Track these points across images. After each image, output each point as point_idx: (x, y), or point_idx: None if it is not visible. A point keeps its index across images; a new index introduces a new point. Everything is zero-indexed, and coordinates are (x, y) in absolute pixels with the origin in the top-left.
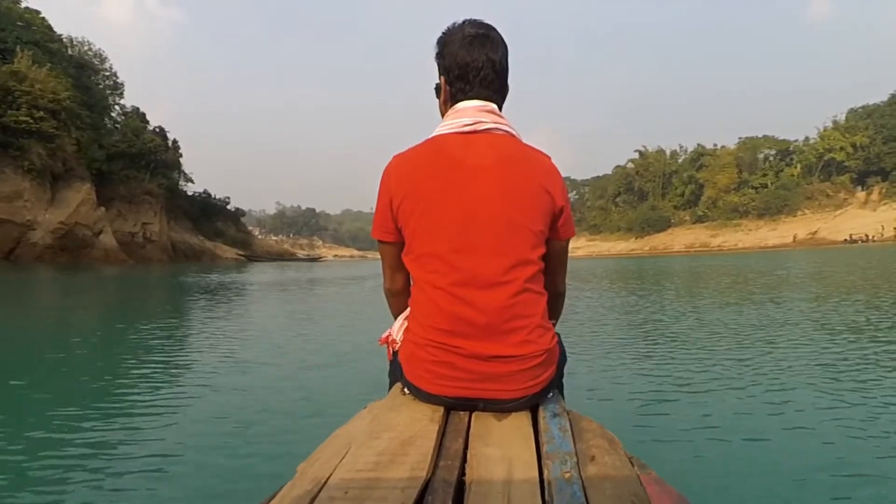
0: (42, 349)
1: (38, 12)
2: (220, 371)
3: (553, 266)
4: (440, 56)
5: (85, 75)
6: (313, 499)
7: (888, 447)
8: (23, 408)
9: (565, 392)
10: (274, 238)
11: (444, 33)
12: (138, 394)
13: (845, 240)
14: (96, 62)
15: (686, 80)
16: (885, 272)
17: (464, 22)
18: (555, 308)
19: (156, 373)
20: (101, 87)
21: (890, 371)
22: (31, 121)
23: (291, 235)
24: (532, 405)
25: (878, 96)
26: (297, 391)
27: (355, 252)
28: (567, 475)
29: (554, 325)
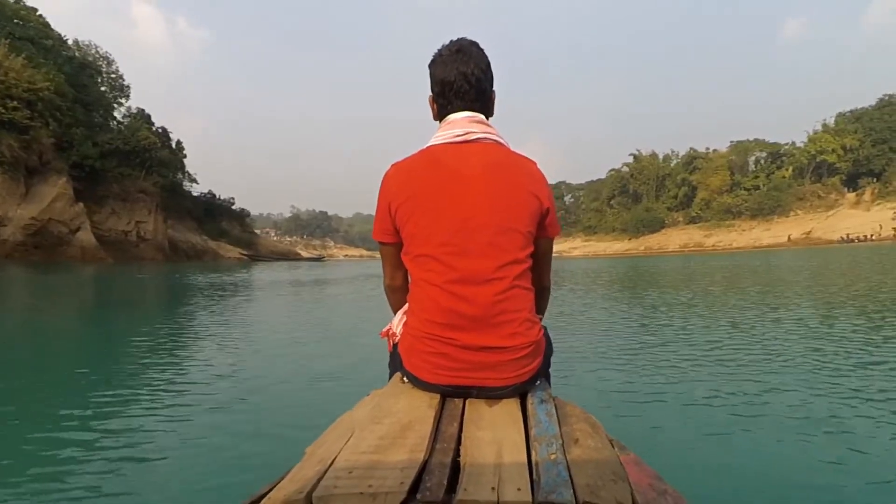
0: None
1: (35, 10)
2: (228, 365)
3: (539, 262)
4: (430, 76)
5: (86, 74)
6: (320, 479)
7: (866, 429)
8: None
9: (552, 380)
10: (289, 239)
11: (433, 55)
12: (147, 388)
13: (840, 238)
14: (102, 64)
15: (675, 93)
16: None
17: (448, 42)
18: (541, 301)
19: (161, 368)
20: (103, 87)
21: (872, 351)
22: (3, 111)
23: (305, 237)
24: (521, 392)
25: (847, 105)
26: (302, 381)
27: (364, 252)
28: (553, 456)
29: (541, 318)
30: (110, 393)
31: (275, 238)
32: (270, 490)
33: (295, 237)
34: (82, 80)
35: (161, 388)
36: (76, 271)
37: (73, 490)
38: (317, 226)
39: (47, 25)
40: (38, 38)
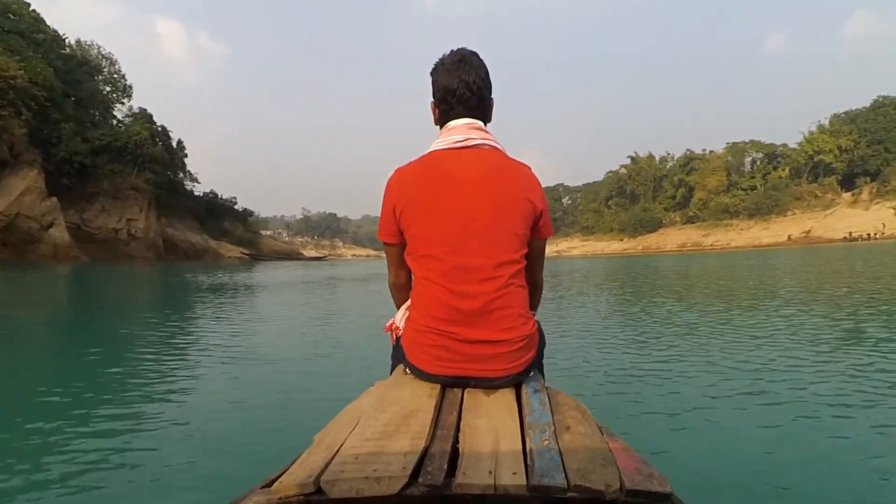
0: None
1: (27, 4)
2: (237, 360)
3: (533, 261)
4: (432, 83)
5: (82, 72)
6: (328, 464)
7: (843, 413)
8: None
9: (545, 371)
10: (300, 239)
11: (434, 64)
12: (159, 382)
13: (844, 237)
14: (104, 64)
15: (671, 99)
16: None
17: (449, 52)
18: (534, 298)
19: (170, 364)
20: (106, 87)
21: (856, 342)
22: None
23: (315, 237)
24: (516, 383)
25: (836, 108)
26: (309, 373)
27: (371, 252)
28: (546, 442)
29: (534, 313)
30: (121, 385)
31: (287, 238)
32: (281, 475)
33: (306, 237)
34: (77, 76)
35: (173, 381)
36: (43, 270)
37: (87, 481)
38: (326, 227)
39: (40, 21)
40: (28, 31)
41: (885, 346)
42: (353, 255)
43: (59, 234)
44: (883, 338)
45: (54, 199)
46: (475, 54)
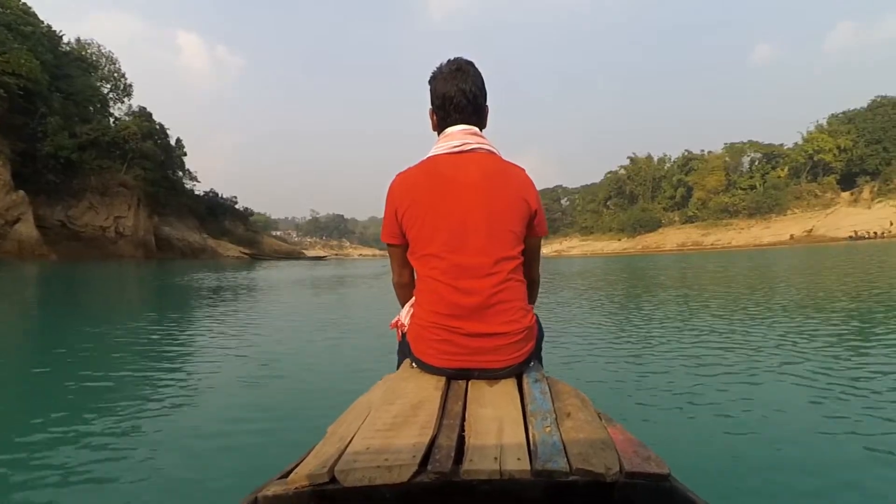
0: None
1: None
2: (252, 357)
3: (529, 258)
4: (430, 91)
5: (76, 67)
6: (341, 454)
7: (835, 403)
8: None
9: (544, 361)
10: (308, 239)
11: (433, 72)
12: (177, 377)
13: (850, 236)
14: (103, 62)
15: (668, 103)
16: None
17: (446, 61)
18: (532, 293)
19: (182, 359)
20: (107, 85)
21: (839, 337)
22: None
23: (323, 238)
24: (517, 373)
25: (828, 109)
26: (320, 369)
27: (377, 251)
28: (548, 429)
29: (532, 306)
30: (139, 380)
31: (296, 238)
32: (297, 465)
33: (314, 238)
34: (68, 71)
35: (191, 377)
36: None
37: (107, 478)
38: (334, 227)
39: (30, 14)
40: (16, 24)
41: (890, 341)
42: (360, 254)
43: (27, 230)
44: (890, 333)
45: (21, 192)
46: (471, 63)
